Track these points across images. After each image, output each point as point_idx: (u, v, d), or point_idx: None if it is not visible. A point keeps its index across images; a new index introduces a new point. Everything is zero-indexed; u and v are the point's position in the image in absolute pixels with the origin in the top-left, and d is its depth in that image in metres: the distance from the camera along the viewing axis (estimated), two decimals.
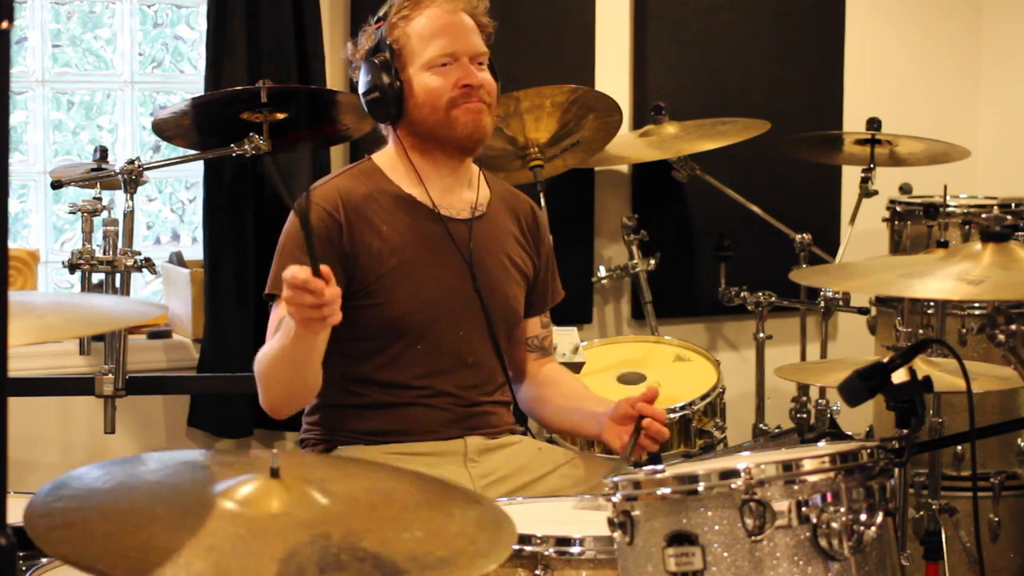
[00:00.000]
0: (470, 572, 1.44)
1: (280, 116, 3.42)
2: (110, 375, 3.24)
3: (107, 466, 1.55)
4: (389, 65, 2.60)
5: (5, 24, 1.22)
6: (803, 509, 1.79)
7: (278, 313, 2.50)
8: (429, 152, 2.65)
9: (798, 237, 3.98)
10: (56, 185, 3.36)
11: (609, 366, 3.50)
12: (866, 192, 4.02)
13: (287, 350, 2.34)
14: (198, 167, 3.74)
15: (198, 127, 3.52)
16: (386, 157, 2.70)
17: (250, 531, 1.42)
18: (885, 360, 1.98)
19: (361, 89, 2.66)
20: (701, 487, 1.80)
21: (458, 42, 2.61)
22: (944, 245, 3.45)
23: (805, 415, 3.87)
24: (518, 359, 2.79)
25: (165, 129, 3.49)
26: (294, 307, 2.19)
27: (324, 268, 2.15)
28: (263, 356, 2.46)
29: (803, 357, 4.07)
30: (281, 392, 2.47)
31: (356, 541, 1.44)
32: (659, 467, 1.87)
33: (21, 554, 1.99)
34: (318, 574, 1.37)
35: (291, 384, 2.45)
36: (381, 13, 2.66)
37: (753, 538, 1.77)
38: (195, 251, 3.90)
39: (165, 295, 3.90)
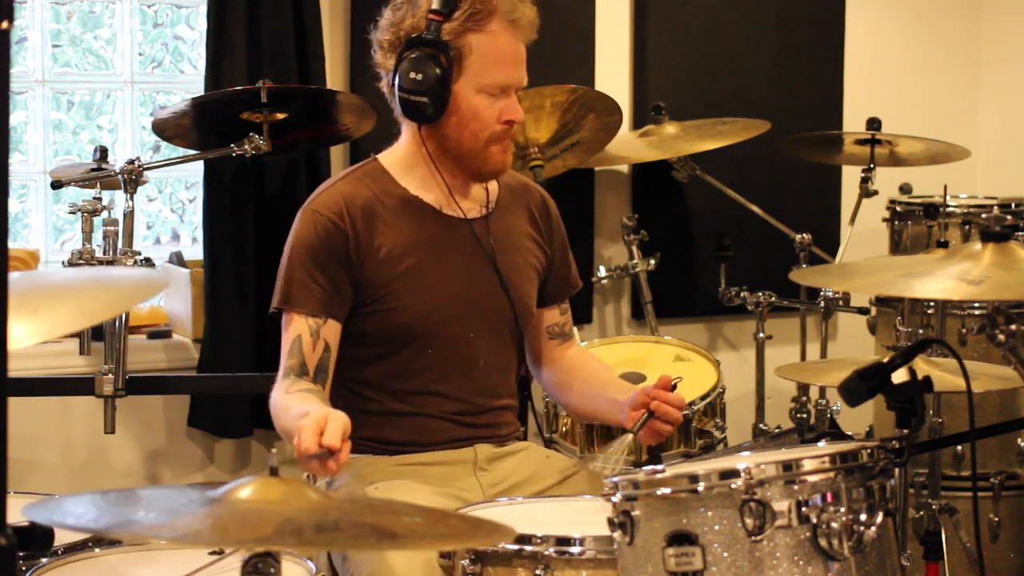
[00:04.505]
0: (466, 542, 1.47)
1: (280, 116, 3.43)
2: (110, 375, 3.24)
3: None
4: (447, 71, 2.48)
5: (5, 24, 1.22)
6: (803, 509, 1.79)
7: (292, 330, 2.48)
8: (446, 163, 2.58)
9: (798, 237, 3.97)
10: (56, 185, 3.36)
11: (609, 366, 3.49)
12: (866, 192, 4.02)
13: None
14: (198, 167, 3.74)
15: (198, 127, 3.53)
16: (394, 157, 2.62)
17: (250, 510, 1.45)
18: (885, 360, 1.98)
19: (399, 80, 2.50)
20: (701, 487, 1.80)
21: (516, 74, 2.56)
22: (944, 245, 3.45)
23: (805, 415, 3.87)
24: (533, 349, 2.76)
25: (165, 129, 3.49)
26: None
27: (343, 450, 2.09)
28: (277, 407, 2.42)
29: (803, 357, 4.06)
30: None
31: (355, 518, 1.47)
32: (659, 467, 1.87)
33: (21, 554, 1.99)
34: (315, 534, 1.41)
35: None
36: (439, 6, 2.48)
37: (753, 538, 1.78)
38: (195, 251, 3.90)
39: (165, 295, 3.90)
